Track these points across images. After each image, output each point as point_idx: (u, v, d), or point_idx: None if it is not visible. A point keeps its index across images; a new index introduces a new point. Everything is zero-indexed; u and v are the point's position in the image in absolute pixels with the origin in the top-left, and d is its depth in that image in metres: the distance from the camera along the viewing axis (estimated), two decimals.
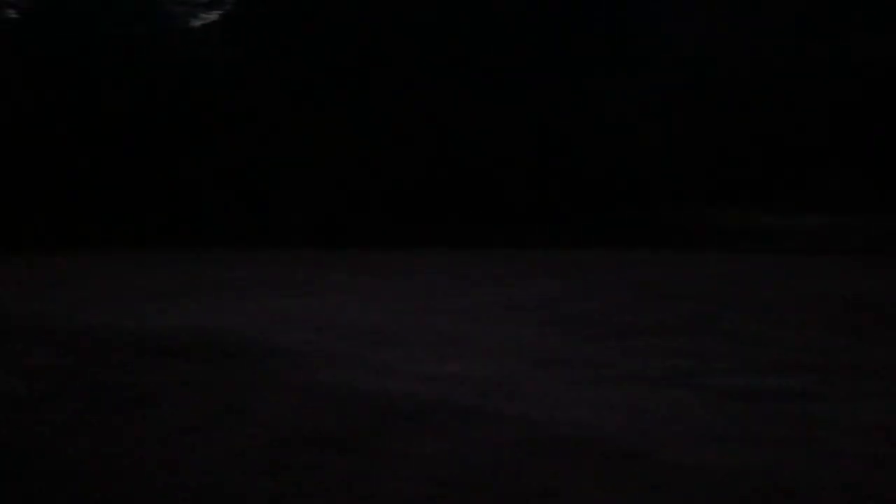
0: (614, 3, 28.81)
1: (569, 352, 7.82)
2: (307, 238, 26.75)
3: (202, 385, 6.25)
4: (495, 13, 27.62)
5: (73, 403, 5.63)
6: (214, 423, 5.15)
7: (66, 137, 27.27)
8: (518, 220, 26.54)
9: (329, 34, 28.18)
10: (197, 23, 34.96)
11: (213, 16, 34.45)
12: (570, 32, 27.53)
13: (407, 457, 4.47)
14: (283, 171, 28.36)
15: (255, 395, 5.94)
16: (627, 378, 6.54)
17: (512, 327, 9.45)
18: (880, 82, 28.82)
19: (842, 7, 31.02)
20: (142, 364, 7.13)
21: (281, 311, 10.75)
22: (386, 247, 24.79)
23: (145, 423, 5.14)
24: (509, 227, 26.25)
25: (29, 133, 27.14)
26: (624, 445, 4.62)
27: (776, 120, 29.74)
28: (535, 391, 6.11)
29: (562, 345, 8.26)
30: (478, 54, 27.20)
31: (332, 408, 5.53)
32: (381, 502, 3.80)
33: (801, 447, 4.54)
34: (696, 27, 30.78)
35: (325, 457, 4.46)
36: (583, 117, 27.78)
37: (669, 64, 29.09)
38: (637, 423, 5.12)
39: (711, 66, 30.15)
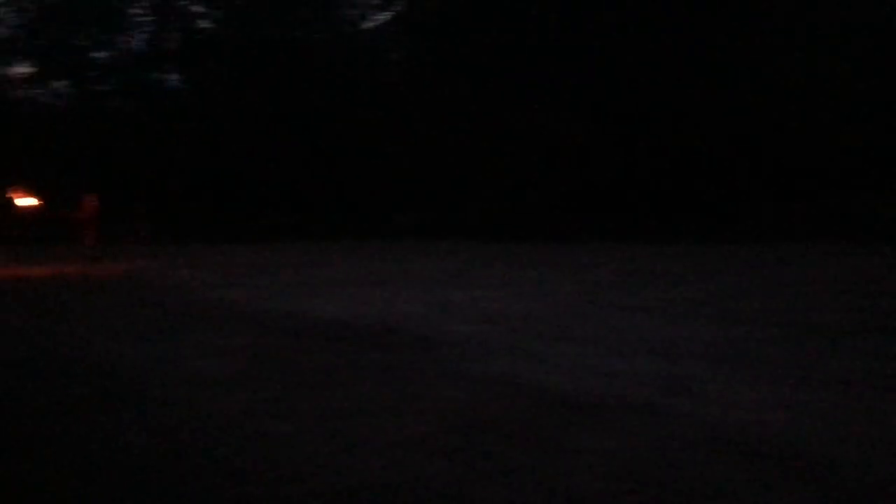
0: None
1: (748, 350, 7.42)
2: (477, 231, 27.25)
3: (377, 371, 6.47)
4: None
5: (266, 385, 6.01)
6: (389, 407, 5.33)
7: (259, 137, 29.28)
8: (693, 214, 25.59)
9: (501, 29, 28.32)
10: (369, 24, 36.45)
11: (385, 16, 35.74)
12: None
13: (580, 451, 4.42)
14: (453, 165, 28.95)
15: (427, 383, 6.07)
16: (815, 381, 6.10)
17: (687, 324, 9.09)
18: None
19: None
20: (326, 349, 7.49)
21: (450, 303, 10.96)
22: (553, 240, 24.69)
23: (325, 406, 5.39)
24: (683, 220, 25.37)
25: (229, 133, 29.37)
26: (804, 452, 4.32)
27: None
28: (710, 390, 5.84)
29: (741, 343, 7.84)
30: (655, 46, 26.37)
31: (504, 399, 5.55)
32: (555, 493, 3.78)
33: None
34: None
35: (501, 447, 4.49)
36: (767, 109, 26.22)
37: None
38: (823, 430, 4.77)
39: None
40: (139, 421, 4.97)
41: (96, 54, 37.32)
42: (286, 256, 20.32)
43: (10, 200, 17.04)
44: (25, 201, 16.94)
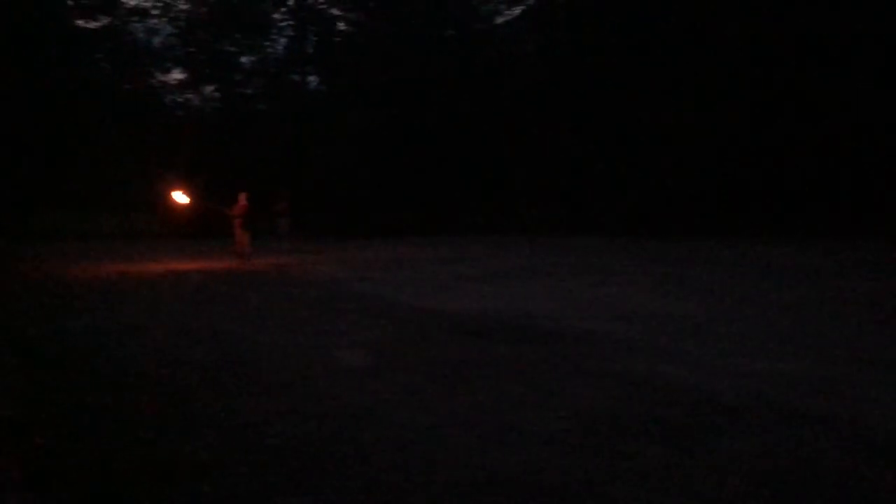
0: None
1: None
2: (617, 227, 26.78)
3: (511, 366, 6.50)
4: None
5: (404, 377, 6.17)
6: (524, 403, 5.34)
7: (393, 135, 29.98)
8: (831, 211, 24.14)
9: (636, 20, 27.63)
10: (501, 19, 36.51)
11: (516, 11, 35.68)
12: None
13: (720, 452, 4.29)
14: (585, 160, 28.55)
15: (560, 379, 6.04)
16: None
17: (836, 324, 8.58)
18: None
19: None
20: (458, 343, 7.60)
21: (584, 298, 10.84)
22: (688, 236, 23.88)
23: (459, 398, 5.47)
24: (820, 217, 23.98)
25: (364, 132, 30.23)
26: None
27: None
28: (859, 393, 5.51)
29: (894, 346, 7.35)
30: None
31: (642, 398, 5.45)
32: (694, 495, 3.68)
33: None
34: None
35: (636, 445, 4.42)
36: None
37: None
38: None
39: None
40: (281, 408, 5.23)
41: (242, 59, 39.35)
42: (418, 252, 20.71)
43: (169, 198, 18.19)
44: (181, 199, 17.93)
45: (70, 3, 36.35)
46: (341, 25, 39.74)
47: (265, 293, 11.88)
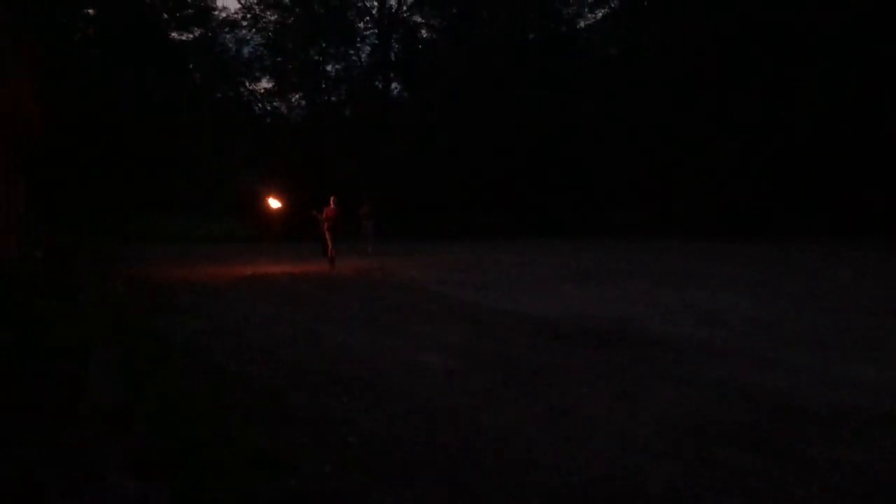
0: None
1: None
2: (701, 228, 26.18)
3: (593, 370, 6.44)
4: None
5: (486, 378, 6.19)
6: (607, 407, 5.29)
7: (475, 139, 30.11)
8: None
9: (722, 19, 26.92)
10: (583, 23, 36.22)
11: (599, 14, 35.33)
12: None
13: (814, 461, 4.14)
14: (669, 162, 28.03)
15: (644, 383, 5.95)
16: None
17: None
18: None
19: None
20: (540, 346, 7.57)
21: (666, 302, 10.62)
22: (771, 239, 23.09)
23: (542, 401, 5.45)
24: None
25: (446, 136, 30.46)
26: None
27: None
28: None
29: None
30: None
31: (730, 404, 5.31)
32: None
33: None
34: None
35: (725, 452, 4.32)
36: None
37: None
38: None
39: None
40: (366, 406, 5.32)
41: (327, 67, 40.26)
42: (500, 254, 20.70)
43: (263, 203, 18.69)
44: (274, 204, 18.40)
45: (166, 15, 37.96)
46: (424, 32, 40.19)
47: (350, 295, 12.10)
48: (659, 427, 4.80)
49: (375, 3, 40.00)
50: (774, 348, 7.29)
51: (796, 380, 5.99)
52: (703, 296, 11.18)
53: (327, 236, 17.38)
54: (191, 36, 39.05)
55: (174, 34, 38.48)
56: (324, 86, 40.15)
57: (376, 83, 40.41)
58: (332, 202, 17.73)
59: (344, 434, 4.70)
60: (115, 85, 31.32)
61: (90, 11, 35.12)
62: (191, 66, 39.62)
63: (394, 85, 40.79)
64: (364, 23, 40.21)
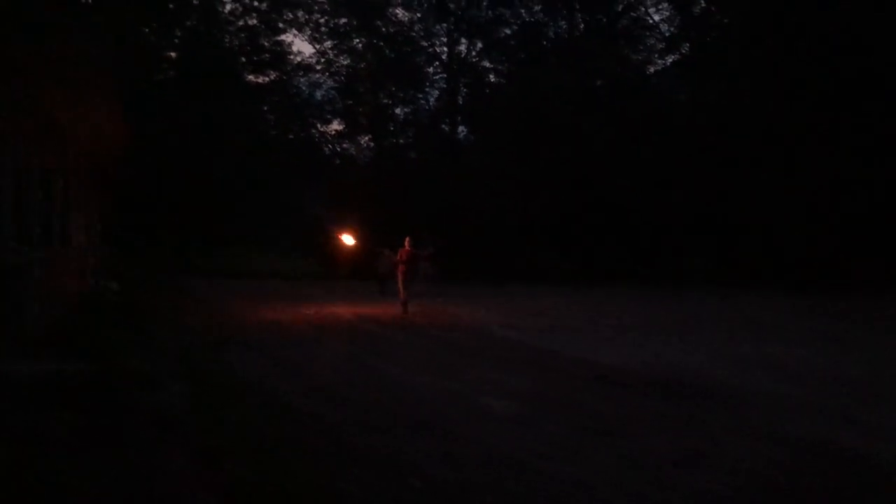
0: None
1: None
2: (771, 279, 25.42)
3: (661, 422, 6.26)
4: None
5: (552, 425, 6.08)
6: (675, 461, 5.12)
7: (541, 182, 30.11)
8: None
9: (794, 69, 26.43)
10: (653, 69, 36.15)
11: (669, 60, 35.21)
12: None
13: None
14: (741, 209, 27.39)
15: (714, 437, 5.76)
16: None
17: None
18: None
19: None
20: (606, 395, 7.41)
21: (743, 354, 10.30)
22: (850, 290, 22.23)
23: (608, 452, 5.31)
24: None
25: (512, 179, 30.52)
26: None
27: None
28: None
29: None
30: None
31: (805, 462, 5.09)
32: None
33: None
34: None
35: None
36: None
37: None
38: None
39: None
40: (428, 450, 5.27)
41: (396, 110, 41.08)
42: (564, 299, 20.49)
43: (339, 239, 18.70)
44: (348, 241, 18.41)
45: (244, 59, 39.39)
46: (491, 77, 40.69)
47: (416, 336, 12.12)
48: (733, 484, 4.62)
49: (445, 49, 40.82)
50: (856, 405, 6.97)
51: (879, 440, 5.71)
52: (779, 348, 10.81)
53: (400, 279, 16.40)
54: (266, 79, 40.46)
55: (250, 77, 39.91)
56: (392, 128, 40.92)
57: (443, 126, 41.00)
58: (406, 243, 16.74)
59: (407, 477, 4.66)
60: (192, 125, 32.51)
61: (172, 55, 36.69)
62: (265, 107, 40.92)
63: (460, 128, 41.34)
64: (433, 67, 41.01)
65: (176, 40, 35.61)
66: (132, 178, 23.60)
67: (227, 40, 38.93)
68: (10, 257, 8.03)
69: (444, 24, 40.04)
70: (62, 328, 8.61)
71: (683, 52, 34.06)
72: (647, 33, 36.06)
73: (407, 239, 16.71)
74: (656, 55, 35.87)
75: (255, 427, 5.60)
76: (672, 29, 35.00)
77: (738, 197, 27.36)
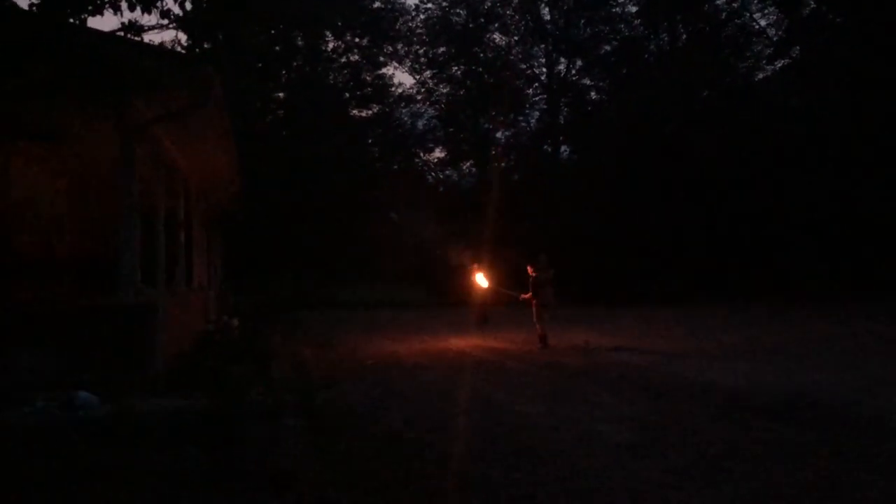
0: None
1: None
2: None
3: (791, 451, 5.92)
4: None
5: (671, 455, 5.86)
6: (809, 496, 4.82)
7: (645, 201, 29.45)
8: None
9: None
10: (761, 75, 34.90)
11: (778, 66, 33.93)
12: None
13: None
14: (863, 217, 25.90)
15: (852, 470, 5.38)
16: None
17: None
18: None
19: None
20: (729, 422, 7.09)
21: (874, 376, 9.67)
22: None
23: (734, 485, 5.06)
24: None
25: (617, 198, 30.01)
26: None
27: None
28: None
29: None
30: None
31: None
32: None
33: None
34: None
35: None
36: None
37: None
38: None
39: None
40: (544, 481, 5.17)
41: (497, 135, 41.28)
42: (678, 320, 19.89)
43: (472, 280, 18.06)
44: (482, 281, 17.32)
45: (347, 95, 40.63)
46: (593, 94, 40.31)
47: (525, 363, 12.01)
48: None
49: (544, 70, 40.78)
50: None
51: None
52: None
53: (534, 308, 14.62)
54: (369, 112, 41.57)
55: (354, 111, 41.11)
56: (493, 153, 41.13)
57: (545, 147, 40.86)
58: (529, 270, 14.91)
59: None
60: (300, 162, 33.74)
61: (280, 95, 38.27)
62: (370, 140, 42.03)
63: (563, 148, 41.10)
64: (533, 89, 41.02)
65: (282, 80, 37.12)
66: (248, 217, 24.66)
67: (331, 77, 40.27)
68: (138, 298, 8.50)
69: (543, 45, 40.04)
70: (185, 365, 9.03)
71: (793, 55, 32.71)
72: (754, 39, 34.86)
73: (529, 266, 14.97)
74: (764, 61, 34.61)
75: (366, 459, 5.66)
76: (780, 33, 33.69)
77: (861, 206, 25.86)
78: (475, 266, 18.47)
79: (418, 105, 42.09)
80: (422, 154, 43.02)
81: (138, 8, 6.35)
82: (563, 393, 8.90)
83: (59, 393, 6.65)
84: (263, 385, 8.23)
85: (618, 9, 38.17)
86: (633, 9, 37.62)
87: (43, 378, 7.25)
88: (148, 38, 7.21)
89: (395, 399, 8.63)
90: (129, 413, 6.23)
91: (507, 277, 18.29)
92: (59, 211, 13.84)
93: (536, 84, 41.26)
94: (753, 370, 10.41)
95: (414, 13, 40.59)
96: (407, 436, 6.61)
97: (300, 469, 4.89)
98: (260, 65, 34.60)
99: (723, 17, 35.13)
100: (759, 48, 34.87)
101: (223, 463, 5.04)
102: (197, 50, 9.39)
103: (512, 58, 40.30)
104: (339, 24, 39.10)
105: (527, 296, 14.88)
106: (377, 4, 40.31)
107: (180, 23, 7.19)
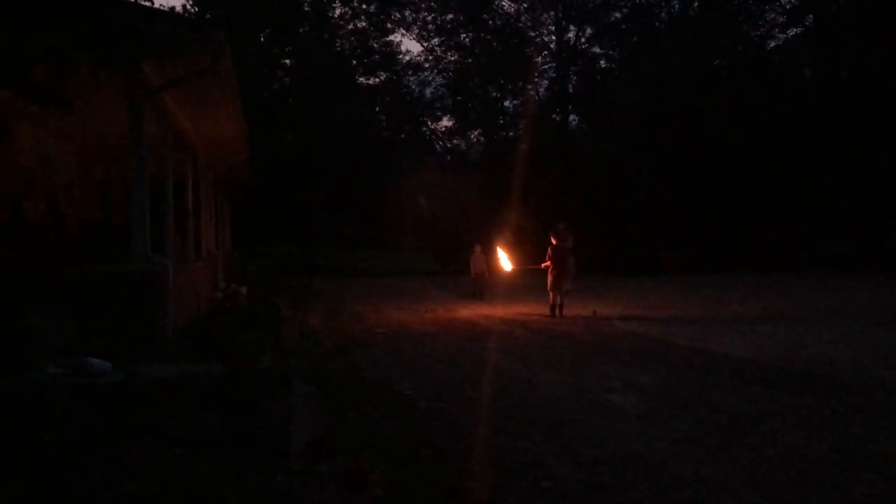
0: None
1: None
2: None
3: (802, 419, 5.91)
4: None
5: (683, 423, 5.86)
6: (820, 461, 4.82)
7: (656, 170, 29.20)
8: None
9: None
10: (773, 44, 34.43)
11: (791, 34, 33.45)
12: None
13: None
14: (878, 188, 25.65)
15: (860, 434, 5.39)
16: None
17: None
18: None
19: None
20: (738, 390, 7.08)
21: (884, 345, 9.64)
22: None
23: (744, 451, 5.05)
24: None
25: (628, 168, 29.76)
26: None
27: None
28: None
29: None
30: None
31: None
32: None
33: None
34: None
35: None
36: None
37: None
38: None
39: None
40: (556, 449, 5.16)
41: (505, 103, 40.89)
42: (689, 290, 19.86)
43: (497, 263, 17.81)
44: (507, 265, 17.04)
45: (354, 62, 40.22)
46: (602, 63, 39.81)
47: (534, 332, 12.01)
48: (889, 488, 4.28)
49: (553, 38, 40.24)
50: None
51: None
52: None
53: (550, 277, 14.49)
54: (377, 80, 41.17)
55: (361, 79, 40.72)
56: (502, 121, 40.75)
57: (554, 116, 40.45)
58: (552, 238, 14.70)
59: (536, 478, 4.57)
60: (309, 129, 33.53)
61: (287, 62, 37.90)
62: (377, 108, 41.68)
63: (572, 117, 40.70)
64: (542, 57, 40.50)
65: (289, 48, 36.75)
66: (256, 185, 24.59)
67: (338, 45, 39.83)
68: (146, 266, 8.49)
69: (552, 13, 39.45)
70: (195, 332, 9.03)
71: (807, 24, 32.22)
72: (767, 7, 34.31)
73: (553, 233, 14.84)
74: (776, 29, 34.10)
75: (374, 424, 5.67)
76: (794, 0, 33.15)
77: (876, 178, 25.60)
78: (480, 247, 18.50)
79: (426, 73, 41.70)
80: (430, 122, 42.67)
81: None
82: (573, 362, 8.91)
83: (70, 359, 6.65)
84: (274, 352, 8.24)
85: None
86: None
87: (54, 344, 7.26)
88: (158, 2, 7.10)
89: (405, 367, 8.64)
90: (142, 380, 6.24)
91: (522, 250, 18.08)
92: (69, 178, 13.83)
93: (546, 52, 40.76)
94: (768, 340, 10.40)
95: None
96: (419, 404, 6.61)
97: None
98: (268, 30, 34.22)
99: None
100: (772, 16, 34.38)
101: (242, 430, 5.05)
102: (207, 15, 9.27)
103: (521, 25, 39.78)
104: None
105: (547, 264, 14.76)
106: None
107: None
